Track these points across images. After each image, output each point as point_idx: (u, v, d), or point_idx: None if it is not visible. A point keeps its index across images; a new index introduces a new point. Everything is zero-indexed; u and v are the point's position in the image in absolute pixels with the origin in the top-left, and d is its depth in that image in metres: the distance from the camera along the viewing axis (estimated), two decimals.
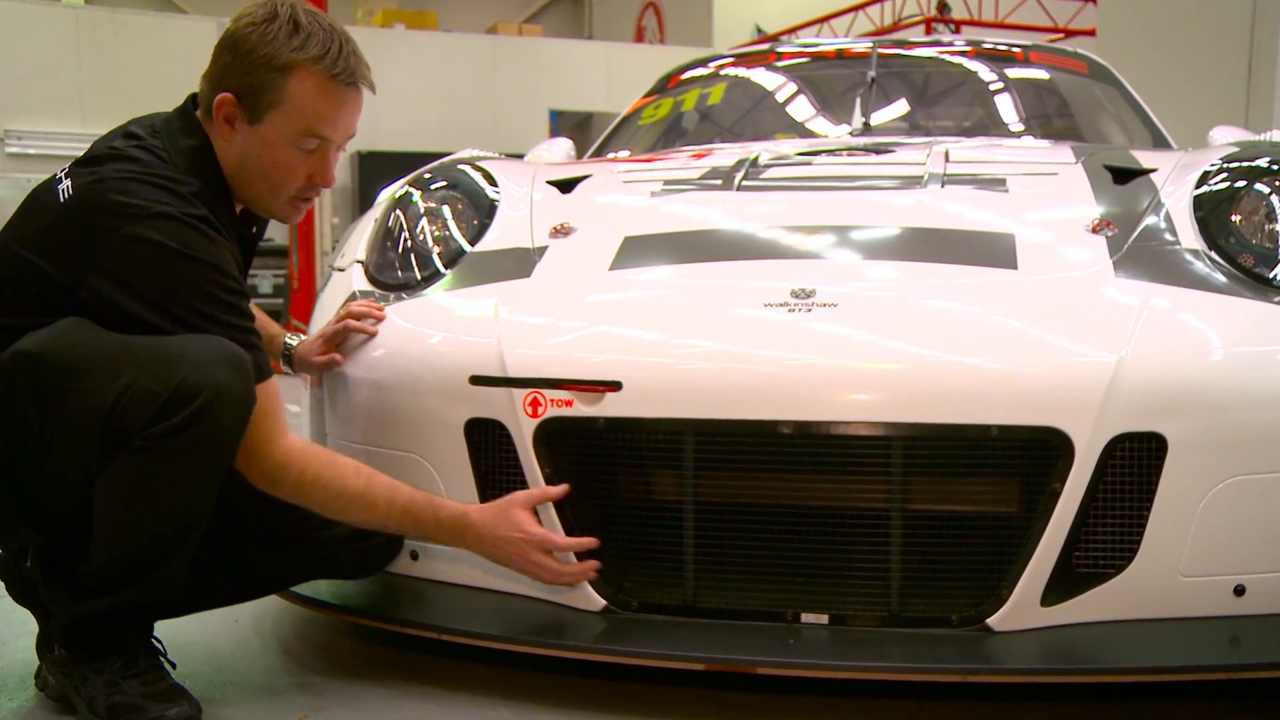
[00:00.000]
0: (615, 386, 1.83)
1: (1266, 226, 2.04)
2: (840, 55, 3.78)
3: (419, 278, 2.23)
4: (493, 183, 2.47)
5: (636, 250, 2.12)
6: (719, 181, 2.41)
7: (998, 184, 2.29)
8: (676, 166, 2.62)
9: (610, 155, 3.23)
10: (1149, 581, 1.77)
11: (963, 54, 3.68)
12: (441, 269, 2.23)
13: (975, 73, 3.56)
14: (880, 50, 3.62)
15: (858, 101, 3.27)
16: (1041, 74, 3.58)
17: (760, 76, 3.73)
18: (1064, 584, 1.76)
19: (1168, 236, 2.04)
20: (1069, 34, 11.32)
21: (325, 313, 2.35)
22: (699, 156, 2.72)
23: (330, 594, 2.08)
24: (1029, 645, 1.74)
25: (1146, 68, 7.07)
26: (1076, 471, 1.73)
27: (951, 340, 1.80)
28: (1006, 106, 3.42)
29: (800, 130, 3.32)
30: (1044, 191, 2.25)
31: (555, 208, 2.38)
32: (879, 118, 3.27)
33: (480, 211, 2.35)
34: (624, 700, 1.87)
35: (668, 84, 3.89)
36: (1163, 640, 1.77)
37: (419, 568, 2.06)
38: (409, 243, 2.32)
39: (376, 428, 2.08)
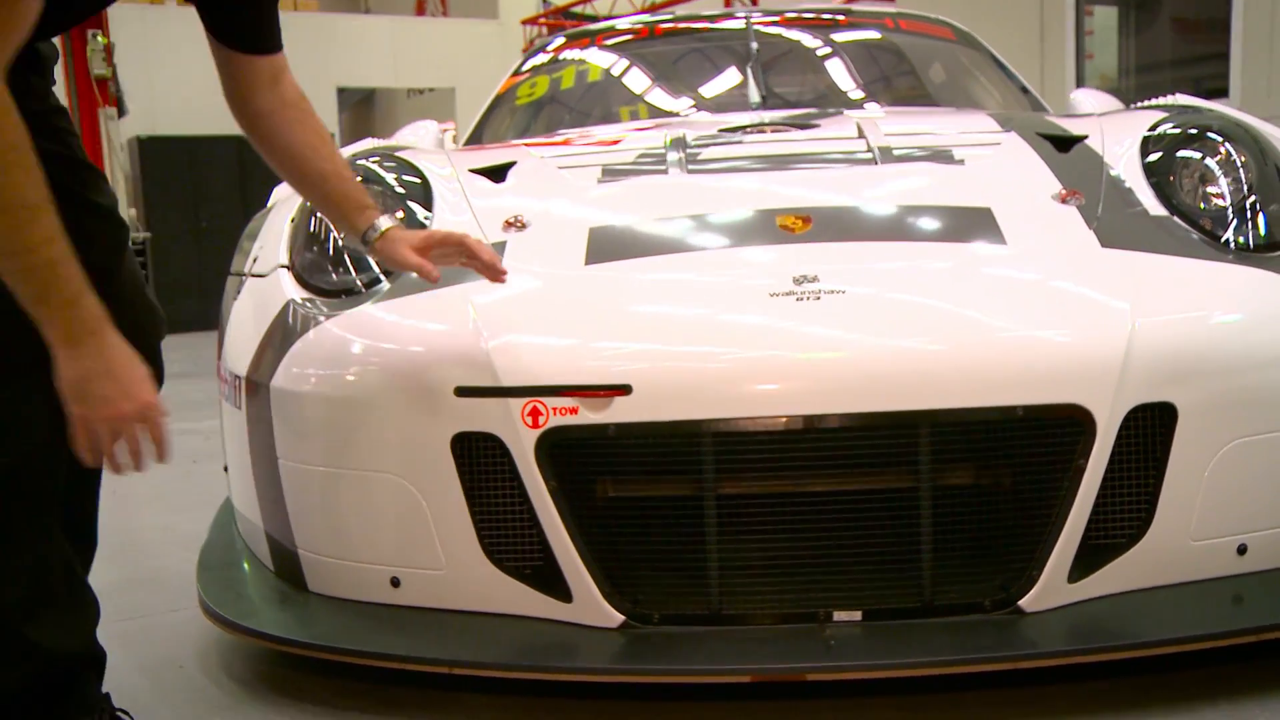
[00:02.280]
0: (625, 390, 1.73)
1: (1210, 188, 2.09)
2: (714, 31, 3.73)
3: (360, 283, 2.07)
4: (417, 174, 2.31)
5: (607, 243, 2.01)
6: (661, 165, 2.32)
7: (947, 157, 2.28)
8: (601, 150, 2.51)
9: (509, 140, 3.08)
10: (1162, 549, 1.79)
11: (835, 24, 3.68)
12: (381, 275, 2.07)
13: (856, 42, 3.56)
14: (755, 23, 3.58)
15: (750, 75, 3.22)
16: (918, 42, 3.61)
17: (638, 51, 3.65)
18: (1086, 559, 1.77)
19: (1131, 203, 2.06)
20: None
21: (248, 325, 2.16)
22: (613, 142, 2.61)
23: (301, 631, 1.92)
24: (1060, 625, 1.74)
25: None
26: (1099, 446, 1.72)
27: (969, 322, 1.77)
28: (895, 75, 3.44)
29: (701, 105, 3.25)
30: (996, 163, 2.25)
31: (495, 199, 2.25)
32: (775, 91, 3.23)
33: (412, 211, 2.20)
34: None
35: (539, 61, 3.76)
36: (1175, 607, 1.79)
37: (401, 595, 1.91)
38: (339, 243, 2.15)
39: (342, 446, 1.92)
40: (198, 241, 14.96)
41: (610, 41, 3.73)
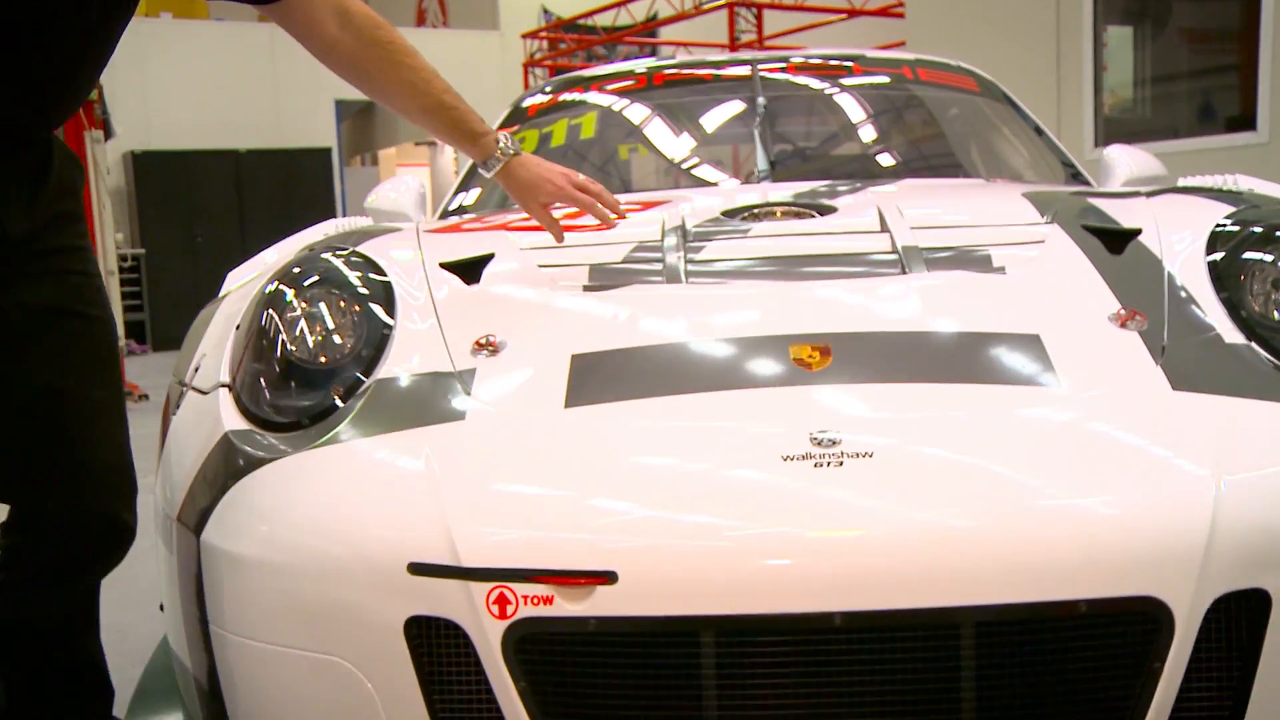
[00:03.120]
0: (609, 578, 1.44)
1: None
2: (718, 79, 3.44)
3: (308, 415, 1.78)
4: (379, 272, 2.03)
5: (593, 375, 1.72)
6: (657, 264, 2.04)
7: (984, 262, 1.99)
8: (590, 241, 2.22)
9: (489, 216, 2.79)
10: None
11: (848, 71, 3.39)
12: (338, 401, 1.79)
13: (872, 98, 3.27)
14: (761, 72, 3.29)
15: (757, 137, 2.93)
16: (939, 95, 3.33)
17: (634, 104, 3.36)
18: None
19: (1201, 327, 1.78)
20: (877, 14, 11.32)
21: (184, 451, 1.89)
22: (604, 228, 2.33)
23: None
24: None
25: (956, 51, 7.02)
26: (1177, 644, 1.44)
27: (1020, 493, 1.48)
28: (916, 135, 3.16)
29: (697, 174, 2.97)
30: (1041, 270, 1.96)
31: (467, 309, 1.96)
32: (783, 155, 2.95)
33: (375, 319, 1.92)
34: None
35: (527, 112, 3.47)
36: None
37: None
38: (288, 363, 1.87)
39: (277, 621, 1.63)
40: (193, 257, 14.73)
41: (607, 89, 3.45)
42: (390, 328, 1.90)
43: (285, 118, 15.63)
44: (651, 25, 12.97)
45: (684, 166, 3.05)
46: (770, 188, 2.69)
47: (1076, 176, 3.14)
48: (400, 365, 1.83)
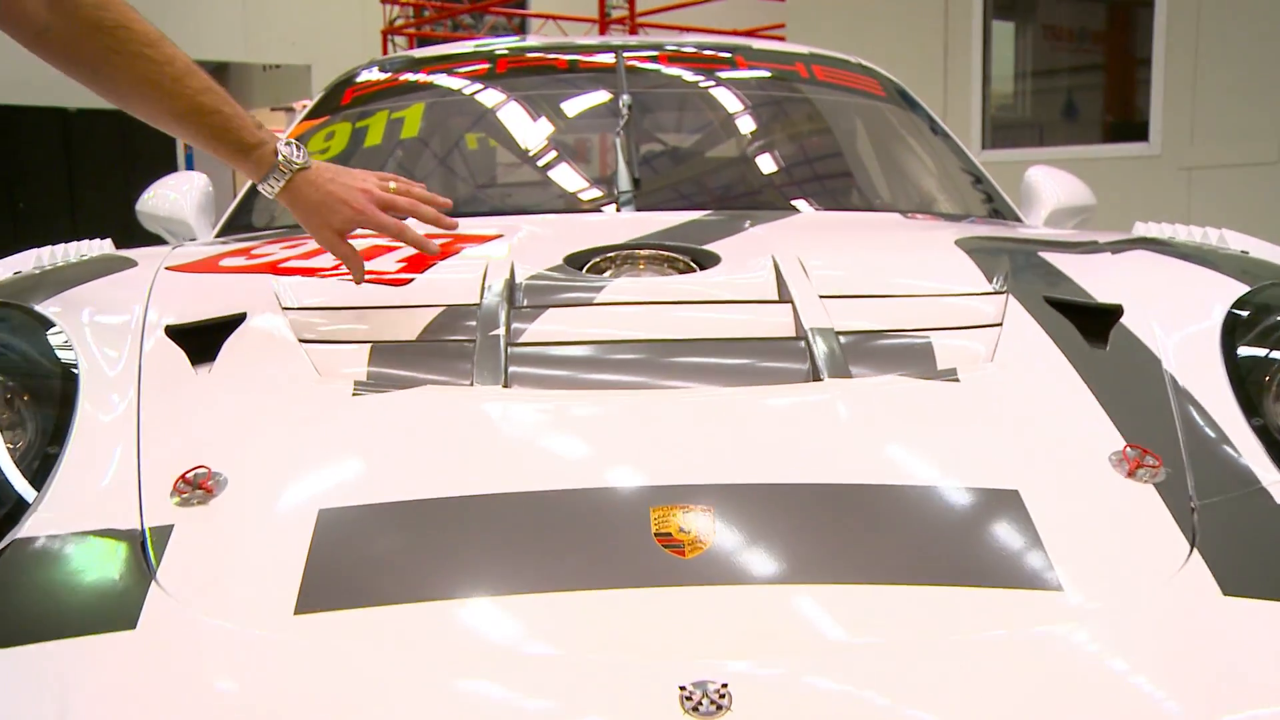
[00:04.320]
0: None
1: None
2: (575, 66, 2.83)
3: None
4: (63, 345, 1.39)
5: (344, 553, 1.10)
6: (467, 353, 1.43)
7: (923, 355, 1.43)
8: (383, 303, 1.60)
9: (272, 243, 2.13)
10: None
11: (730, 64, 2.82)
12: None
13: (760, 101, 2.70)
14: (628, 61, 2.69)
15: (618, 149, 2.33)
16: (838, 99, 2.77)
17: (470, 94, 2.73)
18: None
19: (1238, 476, 1.24)
20: (752, 34, 10.77)
21: None
22: (410, 270, 1.70)
23: None
24: None
25: (839, 38, 6.53)
26: None
27: None
28: (816, 152, 2.59)
29: (545, 192, 2.36)
30: (1005, 374, 1.40)
31: (183, 415, 1.33)
32: (654, 172, 2.36)
33: (35, 430, 1.28)
34: None
35: (341, 99, 2.81)
36: None
37: None
38: None
39: None
40: (14, 224, 13.56)
41: (442, 76, 2.81)
42: (56, 450, 1.26)
43: None
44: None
45: (524, 181, 2.44)
46: (632, 220, 2.10)
47: (994, 205, 2.62)
48: (58, 515, 1.19)
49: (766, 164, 2.53)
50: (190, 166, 15.10)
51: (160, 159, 14.46)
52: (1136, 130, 6.49)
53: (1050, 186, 2.68)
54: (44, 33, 1.48)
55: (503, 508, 1.15)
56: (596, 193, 2.30)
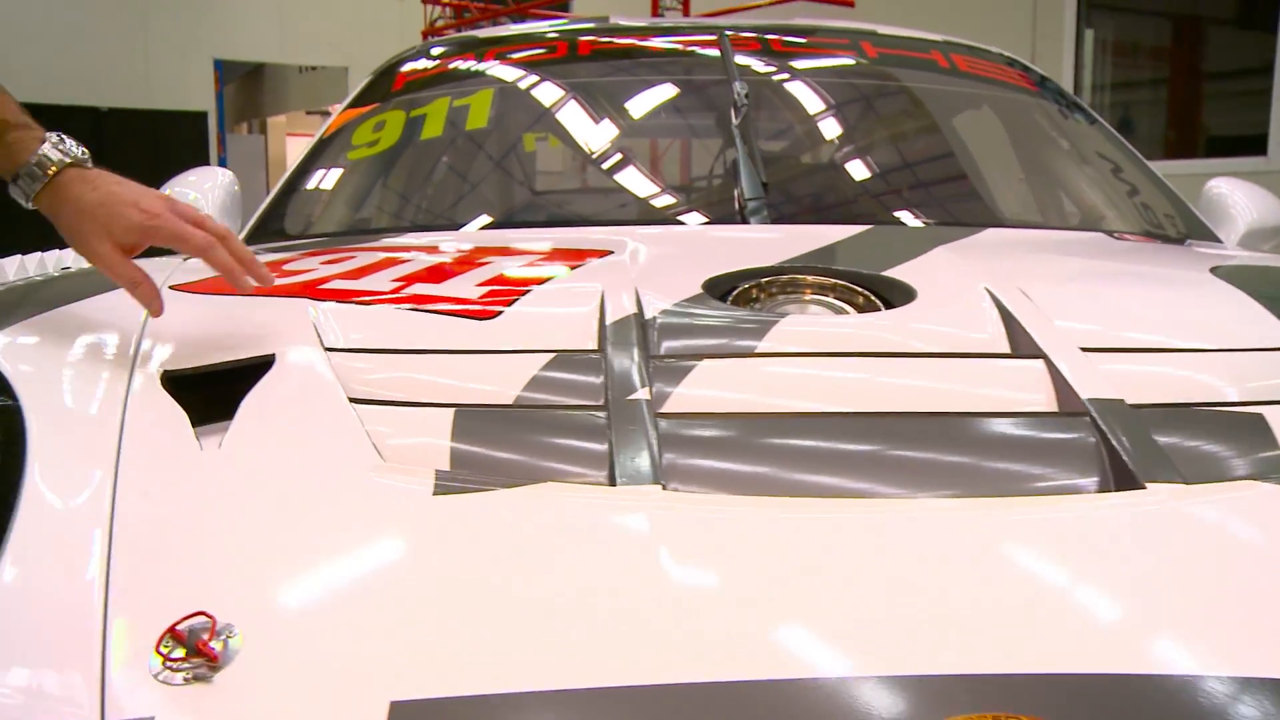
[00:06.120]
0: None
1: None
2: (672, 50, 2.38)
3: None
4: (8, 417, 0.96)
5: None
6: (597, 435, 0.97)
7: (1259, 438, 0.97)
8: (452, 346, 1.15)
9: (306, 249, 1.68)
10: None
11: (854, 49, 2.35)
12: None
13: (900, 91, 2.23)
14: (733, 42, 2.22)
15: (739, 147, 1.86)
16: (992, 94, 2.30)
17: (547, 80, 2.28)
18: None
19: None
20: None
21: None
22: (494, 301, 1.25)
23: None
24: None
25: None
26: None
27: None
28: (973, 157, 2.12)
29: (649, 199, 1.91)
30: None
31: (173, 518, 0.88)
32: (778, 175, 1.90)
33: None
34: None
35: (393, 85, 2.36)
36: None
37: None
38: None
39: None
40: (43, 223, 13.20)
41: (512, 61, 2.36)
42: None
43: (156, 75, 14.25)
44: None
45: (619, 185, 1.99)
46: (770, 236, 1.64)
47: (1184, 222, 2.15)
48: None
49: (925, 169, 2.05)
50: (223, 165, 14.78)
51: (193, 158, 14.13)
52: (1253, 144, 6.03)
53: (1242, 202, 2.21)
54: None
55: (693, 708, 0.69)
56: (715, 200, 1.84)
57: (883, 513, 0.87)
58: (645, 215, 1.90)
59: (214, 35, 14.65)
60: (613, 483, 0.90)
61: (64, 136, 1.18)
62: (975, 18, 6.67)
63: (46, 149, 1.15)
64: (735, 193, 1.78)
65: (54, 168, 1.15)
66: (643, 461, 0.91)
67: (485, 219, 1.97)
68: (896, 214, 1.86)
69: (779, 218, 1.74)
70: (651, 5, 9.47)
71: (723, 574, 0.80)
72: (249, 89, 20.68)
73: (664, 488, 0.88)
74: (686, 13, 9.63)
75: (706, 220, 1.87)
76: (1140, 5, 7.56)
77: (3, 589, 0.81)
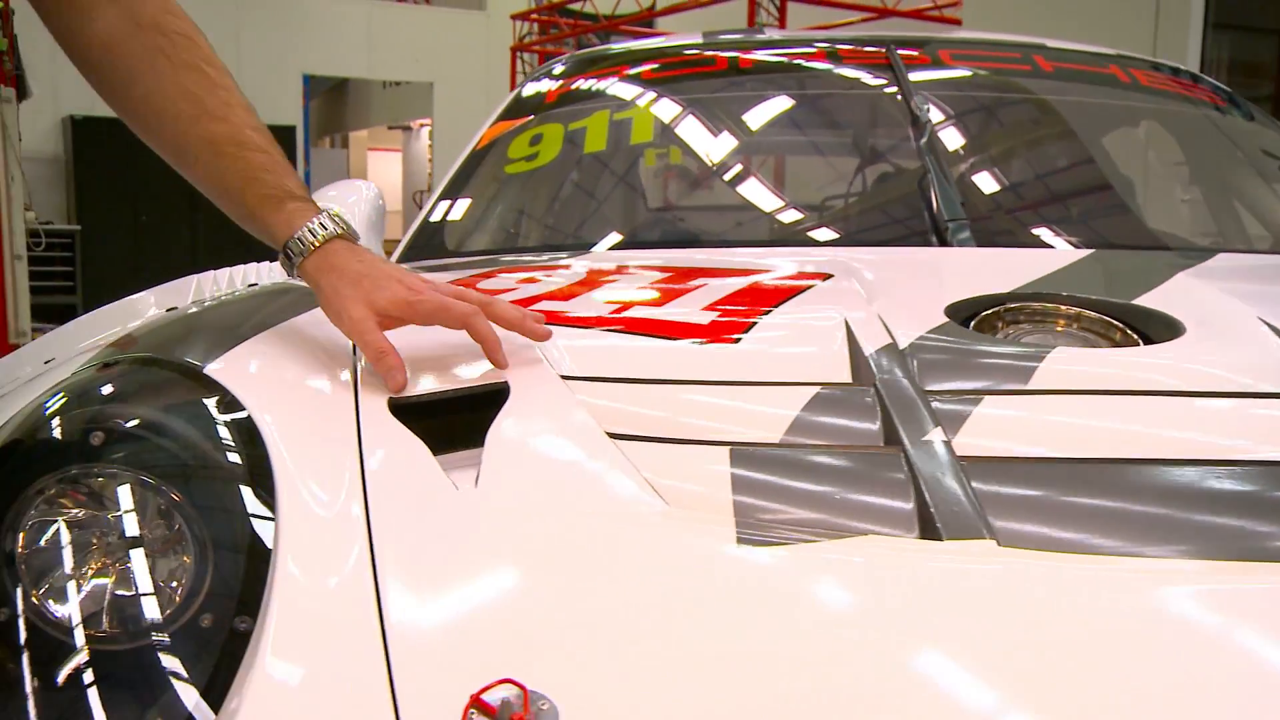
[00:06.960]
0: None
1: None
2: (838, 61, 2.27)
3: None
4: (249, 439, 0.88)
5: None
6: (894, 478, 0.87)
7: None
8: (702, 374, 1.05)
9: (484, 268, 1.59)
10: None
11: (1028, 64, 2.22)
12: None
13: (1088, 109, 2.11)
14: (905, 64, 2.10)
15: (932, 167, 1.75)
16: (1187, 111, 2.16)
17: (713, 93, 2.19)
18: None
19: None
20: (912, 15, 10.12)
21: None
22: (730, 328, 1.16)
23: None
24: None
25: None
26: None
27: None
28: (1178, 176, 2.00)
29: (844, 219, 1.80)
30: None
31: (447, 566, 0.80)
32: (974, 195, 1.79)
33: (214, 571, 0.76)
34: None
35: (545, 99, 2.29)
36: None
37: None
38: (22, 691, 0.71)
39: None
40: (135, 238, 13.40)
41: (670, 74, 2.26)
42: (249, 625, 0.74)
43: (247, 90, 14.31)
44: (653, 14, 11.76)
45: (805, 204, 1.89)
46: (982, 259, 1.54)
47: None
48: None
49: (1134, 190, 1.93)
50: (308, 181, 14.92)
51: None
52: None
53: None
54: (92, 21, 1.24)
55: None
56: (914, 221, 1.74)
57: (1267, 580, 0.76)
58: (843, 235, 1.80)
59: (303, 51, 14.82)
60: (931, 534, 0.80)
61: (330, 213, 1.19)
62: (1097, 33, 6.51)
63: (322, 218, 1.14)
64: (928, 213, 1.68)
65: (325, 236, 1.12)
66: (964, 512, 0.81)
67: (671, 236, 1.89)
68: (1111, 237, 1.75)
69: (981, 241, 1.64)
70: (748, 20, 9.39)
71: (1085, 636, 0.70)
72: (333, 104, 20.91)
73: (998, 543, 0.78)
74: (783, 27, 9.54)
75: (898, 242, 1.77)
76: (1255, 23, 7.35)
77: (278, 658, 0.73)
